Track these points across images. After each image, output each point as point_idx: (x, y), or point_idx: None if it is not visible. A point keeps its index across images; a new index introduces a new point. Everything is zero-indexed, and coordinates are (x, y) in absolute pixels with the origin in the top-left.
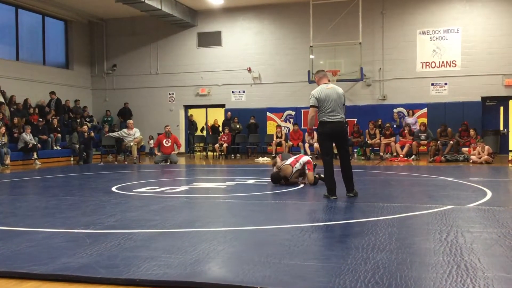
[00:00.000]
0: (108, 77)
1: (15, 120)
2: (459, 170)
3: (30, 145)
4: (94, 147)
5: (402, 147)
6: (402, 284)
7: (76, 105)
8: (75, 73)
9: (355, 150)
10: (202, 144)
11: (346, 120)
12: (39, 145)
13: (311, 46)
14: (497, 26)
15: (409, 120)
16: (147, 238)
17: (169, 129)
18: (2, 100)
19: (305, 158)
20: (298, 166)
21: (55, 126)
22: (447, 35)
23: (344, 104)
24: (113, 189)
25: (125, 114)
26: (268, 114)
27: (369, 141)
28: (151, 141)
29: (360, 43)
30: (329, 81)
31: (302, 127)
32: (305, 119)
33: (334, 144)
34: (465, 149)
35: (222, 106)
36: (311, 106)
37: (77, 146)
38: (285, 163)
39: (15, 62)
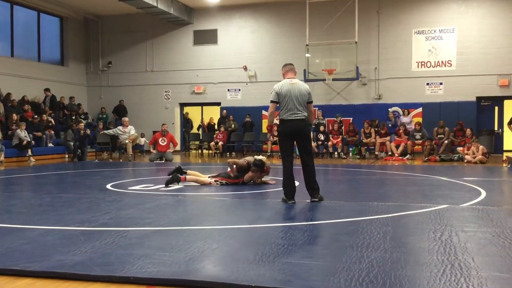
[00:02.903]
0: (104, 74)
1: (14, 116)
2: (454, 169)
3: (25, 142)
4: (89, 144)
5: (397, 147)
6: (396, 282)
7: (71, 102)
8: (70, 70)
9: (350, 149)
10: (197, 142)
11: (341, 119)
12: (33, 142)
13: (307, 45)
14: (492, 26)
15: (404, 119)
16: (142, 236)
17: (166, 127)
18: None
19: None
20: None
21: (46, 121)
22: (443, 35)
23: (309, 103)
24: (108, 186)
25: (120, 111)
26: (264, 112)
27: (364, 140)
28: (143, 139)
29: (356, 42)
30: (295, 76)
31: None
32: None
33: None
34: (459, 149)
35: (218, 104)
36: (271, 101)
37: (72, 143)
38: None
39: (9, 59)
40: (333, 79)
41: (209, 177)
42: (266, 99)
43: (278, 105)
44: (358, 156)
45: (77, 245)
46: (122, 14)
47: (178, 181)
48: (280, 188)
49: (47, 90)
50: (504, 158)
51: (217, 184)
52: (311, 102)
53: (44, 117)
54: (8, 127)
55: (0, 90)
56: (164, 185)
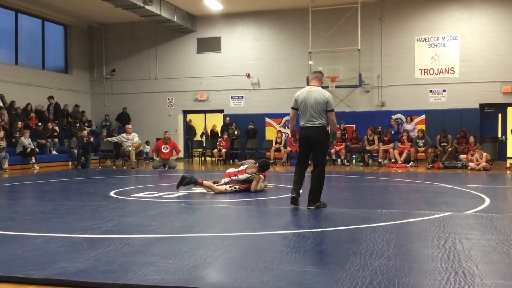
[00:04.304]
0: (107, 82)
1: (18, 124)
2: (457, 176)
3: (29, 149)
4: (92, 151)
5: (400, 154)
6: None
7: (75, 110)
8: (74, 78)
9: (354, 156)
10: (200, 149)
11: (345, 126)
12: (37, 149)
13: (310, 52)
14: (495, 33)
15: (408, 126)
16: (145, 243)
17: (168, 135)
18: (1, 104)
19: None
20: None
21: (51, 129)
22: (446, 42)
23: (329, 111)
24: (111, 194)
25: (124, 119)
26: (267, 119)
27: (368, 147)
28: (148, 146)
29: (359, 49)
30: (319, 84)
31: None
32: None
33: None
34: (463, 156)
35: (221, 111)
36: (291, 108)
37: (76, 150)
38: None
39: (14, 67)
40: (336, 86)
41: (223, 183)
42: (269, 106)
43: (298, 111)
44: (361, 163)
45: (80, 253)
46: (125, 22)
47: (195, 183)
48: (283, 195)
49: (51, 98)
50: (508, 165)
51: (231, 189)
52: (331, 110)
53: (50, 125)
54: (12, 135)
55: (4, 97)
56: (176, 188)
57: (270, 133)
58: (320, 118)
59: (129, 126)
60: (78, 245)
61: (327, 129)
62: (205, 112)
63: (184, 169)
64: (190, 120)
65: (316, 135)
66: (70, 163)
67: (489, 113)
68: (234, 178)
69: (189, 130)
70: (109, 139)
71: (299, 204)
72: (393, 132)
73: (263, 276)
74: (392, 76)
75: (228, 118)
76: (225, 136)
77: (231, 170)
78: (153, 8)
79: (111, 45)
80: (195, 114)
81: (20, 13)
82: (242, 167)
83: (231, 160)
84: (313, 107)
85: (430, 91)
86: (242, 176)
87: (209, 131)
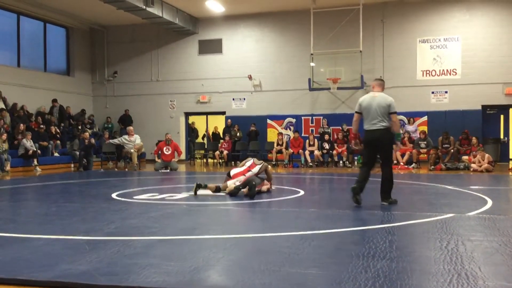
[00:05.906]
0: (109, 84)
1: (21, 126)
2: (460, 178)
3: (31, 151)
4: (94, 153)
5: (402, 155)
6: None
7: (82, 113)
8: (76, 80)
9: (356, 158)
10: (202, 151)
11: (347, 128)
12: (39, 151)
13: (311, 54)
14: (497, 34)
15: (409, 128)
16: (147, 245)
17: (170, 137)
18: (3, 106)
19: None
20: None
21: (54, 132)
22: (447, 44)
23: (391, 113)
24: (113, 196)
25: (126, 121)
26: (269, 121)
27: None
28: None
29: (360, 51)
30: (381, 90)
31: (302, 135)
32: (305, 127)
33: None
34: (465, 158)
35: (223, 113)
36: (355, 112)
37: (78, 153)
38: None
39: (16, 69)
40: (338, 88)
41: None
42: (271, 108)
43: (362, 116)
44: None
45: (82, 255)
46: (127, 24)
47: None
48: (284, 197)
49: (55, 101)
50: (510, 166)
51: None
52: (394, 113)
53: (52, 129)
54: (14, 137)
55: (6, 100)
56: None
57: (272, 135)
58: (383, 120)
59: (131, 128)
60: (80, 247)
61: (390, 130)
62: (207, 114)
63: (186, 171)
64: (193, 122)
65: (380, 136)
66: (72, 165)
67: (491, 114)
68: (249, 173)
69: (191, 132)
70: (111, 141)
71: (360, 197)
72: None
73: (265, 278)
74: (394, 78)
75: (230, 120)
76: (227, 138)
77: (237, 170)
78: (154, 10)
79: (113, 47)
80: (197, 116)
81: (22, 16)
82: (248, 163)
83: (232, 162)
84: (377, 110)
85: (432, 92)
86: (255, 169)
87: (210, 133)
